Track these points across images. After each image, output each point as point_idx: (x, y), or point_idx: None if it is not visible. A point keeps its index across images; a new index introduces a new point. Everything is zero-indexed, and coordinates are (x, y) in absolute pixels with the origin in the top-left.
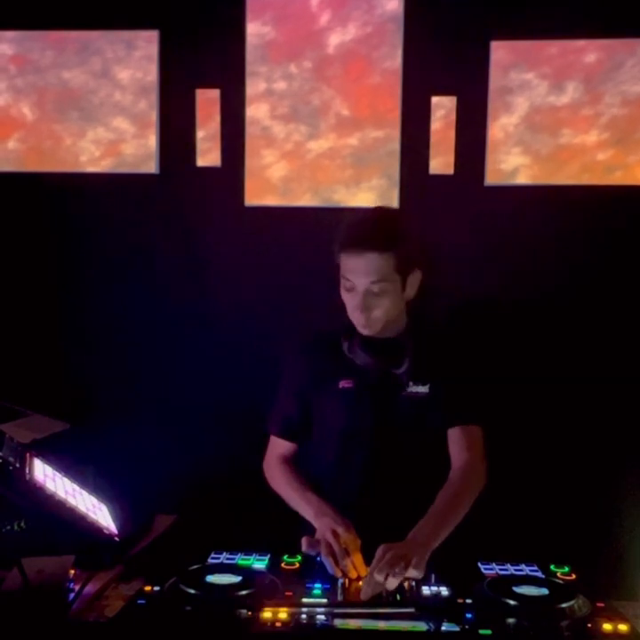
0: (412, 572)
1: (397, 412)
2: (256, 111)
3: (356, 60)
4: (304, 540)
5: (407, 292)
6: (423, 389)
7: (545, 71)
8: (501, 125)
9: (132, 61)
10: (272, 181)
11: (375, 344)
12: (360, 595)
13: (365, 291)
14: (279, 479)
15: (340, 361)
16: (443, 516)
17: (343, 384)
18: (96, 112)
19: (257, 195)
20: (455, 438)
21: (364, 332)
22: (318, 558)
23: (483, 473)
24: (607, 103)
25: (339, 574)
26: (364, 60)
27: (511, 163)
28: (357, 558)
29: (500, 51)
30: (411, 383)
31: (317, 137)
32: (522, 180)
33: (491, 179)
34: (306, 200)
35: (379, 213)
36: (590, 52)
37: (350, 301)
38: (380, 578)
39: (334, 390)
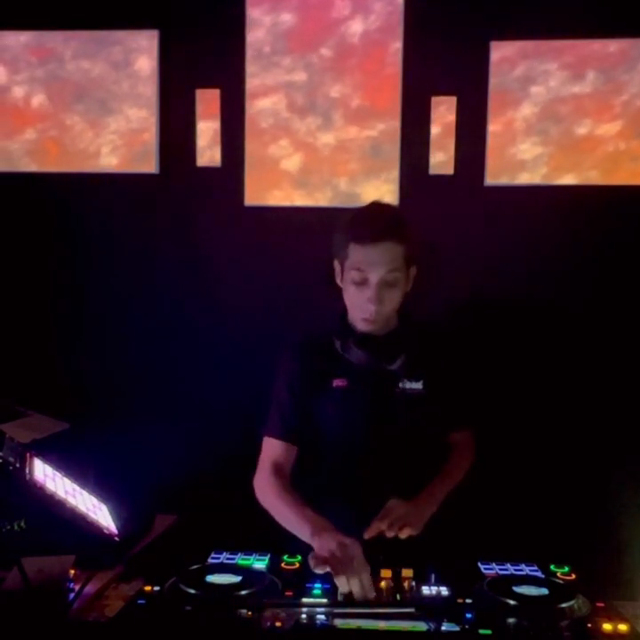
0: (406, 532)
1: (392, 409)
2: (269, 103)
3: (371, 51)
4: (311, 559)
5: (407, 286)
6: (417, 386)
7: (566, 60)
8: (523, 116)
9: (155, 51)
10: (291, 173)
11: (370, 341)
12: (365, 536)
13: (380, 281)
14: (271, 496)
15: (333, 360)
16: (440, 488)
17: (337, 383)
18: (117, 102)
19: (273, 185)
20: (452, 438)
21: (367, 327)
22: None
23: (471, 459)
24: (631, 94)
25: (347, 589)
26: (380, 50)
27: (531, 152)
28: (366, 578)
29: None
30: (404, 380)
31: (336, 128)
32: (543, 169)
33: (511, 167)
34: (325, 191)
35: (386, 206)
36: (612, 41)
37: (360, 295)
38: (383, 526)
39: (328, 390)
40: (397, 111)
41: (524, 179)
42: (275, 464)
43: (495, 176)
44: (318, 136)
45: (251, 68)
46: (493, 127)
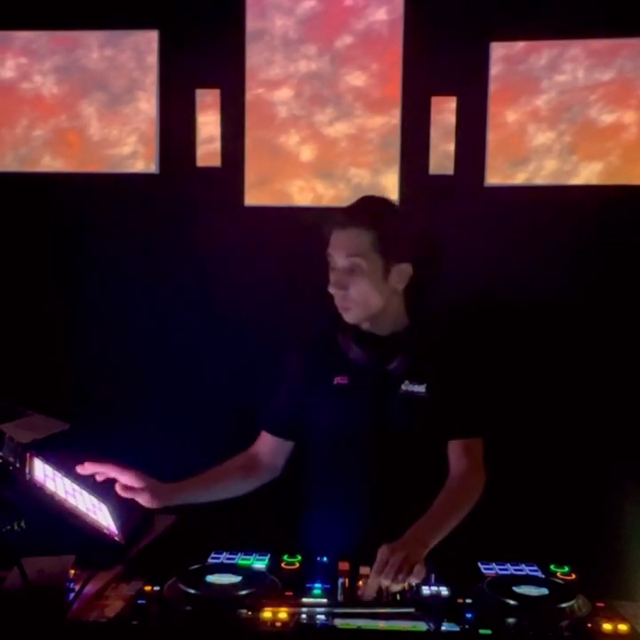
0: (413, 579)
1: (393, 410)
2: (285, 94)
3: (384, 41)
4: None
5: (392, 282)
6: (420, 389)
7: (593, 47)
8: (547, 104)
9: (155, 51)
10: (312, 164)
11: (369, 338)
12: (362, 595)
13: (342, 267)
14: None
15: (336, 357)
16: (441, 517)
17: (338, 380)
18: (141, 90)
19: (289, 176)
20: (455, 449)
21: (345, 316)
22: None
23: (481, 483)
24: None
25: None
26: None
27: (555, 140)
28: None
29: None
30: (406, 382)
31: (354, 118)
32: (568, 157)
33: (534, 155)
34: (347, 181)
35: (369, 197)
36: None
37: (331, 281)
38: (386, 582)
39: (329, 386)
40: (397, 111)
41: (551, 167)
42: (248, 451)
43: (519, 164)
44: (337, 126)
45: (267, 56)
46: (516, 115)
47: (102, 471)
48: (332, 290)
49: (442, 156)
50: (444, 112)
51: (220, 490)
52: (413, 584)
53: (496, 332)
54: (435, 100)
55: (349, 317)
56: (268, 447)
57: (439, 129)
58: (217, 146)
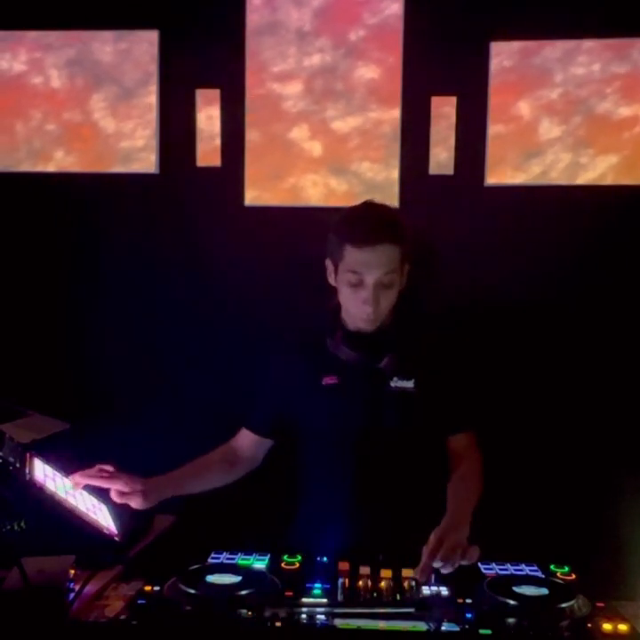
0: (466, 561)
1: (384, 407)
2: (289, 89)
3: (396, 34)
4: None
5: (402, 284)
6: (408, 384)
7: (606, 42)
8: (560, 94)
9: (155, 51)
10: (324, 159)
11: (358, 338)
12: (417, 578)
13: (376, 283)
14: None
15: (324, 358)
16: (468, 502)
17: (327, 380)
18: (150, 85)
19: (302, 171)
20: (457, 442)
21: (367, 326)
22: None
23: (481, 467)
24: None
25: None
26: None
27: (564, 134)
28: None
29: None
30: (395, 378)
31: (364, 112)
32: (582, 149)
33: (549, 148)
34: (357, 176)
35: (381, 207)
36: None
37: (356, 296)
38: (438, 565)
39: (318, 387)
40: (397, 111)
41: (566, 159)
42: (228, 444)
43: (533, 157)
44: (348, 120)
45: (281, 49)
46: (529, 109)
47: (93, 483)
48: (363, 306)
49: (442, 156)
50: (445, 112)
51: (205, 482)
52: (413, 583)
53: (495, 331)
54: (435, 99)
55: (370, 327)
56: (249, 442)
57: (439, 129)
58: (217, 146)
